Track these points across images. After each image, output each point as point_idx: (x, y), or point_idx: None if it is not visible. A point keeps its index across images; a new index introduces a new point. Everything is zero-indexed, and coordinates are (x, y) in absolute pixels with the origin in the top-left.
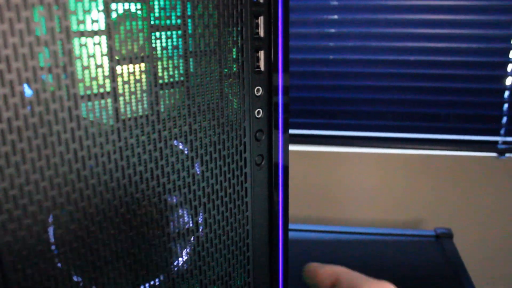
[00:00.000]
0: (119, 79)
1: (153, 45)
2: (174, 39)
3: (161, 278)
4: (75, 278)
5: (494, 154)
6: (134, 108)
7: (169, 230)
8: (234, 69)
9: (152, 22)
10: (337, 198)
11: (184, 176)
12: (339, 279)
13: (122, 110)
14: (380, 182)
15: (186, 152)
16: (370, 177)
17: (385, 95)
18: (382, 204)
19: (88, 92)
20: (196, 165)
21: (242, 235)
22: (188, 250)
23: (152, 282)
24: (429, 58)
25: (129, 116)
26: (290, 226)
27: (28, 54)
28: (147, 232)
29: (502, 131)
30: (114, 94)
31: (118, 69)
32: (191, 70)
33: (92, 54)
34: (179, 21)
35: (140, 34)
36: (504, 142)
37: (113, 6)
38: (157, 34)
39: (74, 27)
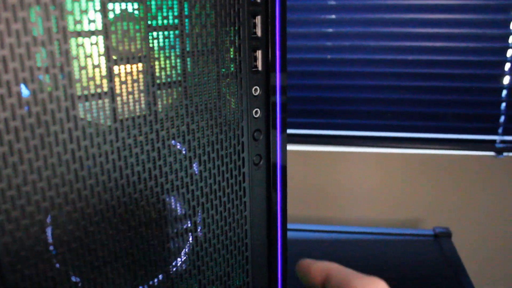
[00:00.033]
0: (117, 79)
1: (151, 45)
2: (172, 39)
3: (160, 278)
4: (73, 279)
5: (492, 153)
6: (131, 108)
7: (168, 230)
8: (232, 68)
9: (149, 22)
10: (335, 198)
11: (182, 176)
12: (330, 275)
13: (119, 110)
14: (378, 181)
15: (184, 152)
16: (368, 177)
17: (383, 95)
18: (380, 203)
19: (86, 92)
20: (194, 165)
21: (241, 235)
22: (186, 250)
23: (150, 282)
24: (427, 57)
25: (126, 116)
26: (289, 226)
27: (25, 54)
28: (145, 232)
29: (500, 130)
30: (111, 94)
31: (116, 69)
32: (189, 70)
33: (89, 54)
34: (176, 20)
35: (137, 34)
36: (502, 141)
37: (110, 6)
38: (154, 34)
39: (71, 27)
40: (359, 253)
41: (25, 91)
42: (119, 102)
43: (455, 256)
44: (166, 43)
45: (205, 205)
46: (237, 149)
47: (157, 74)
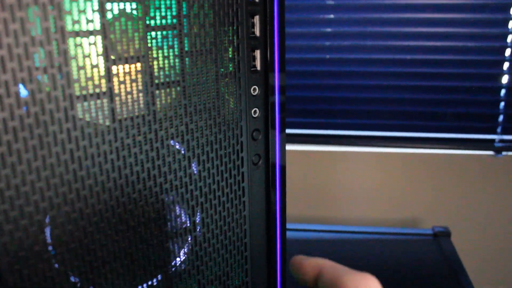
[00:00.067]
0: (115, 79)
1: (149, 45)
2: (170, 39)
3: (159, 278)
4: (72, 279)
5: (491, 153)
6: (130, 108)
7: (167, 230)
8: (230, 68)
9: (147, 22)
10: (334, 197)
11: (181, 176)
12: (323, 271)
13: (118, 110)
14: (377, 181)
15: (183, 152)
16: (367, 176)
17: (382, 94)
18: (379, 203)
19: (84, 92)
20: (193, 164)
21: (240, 235)
22: (185, 250)
23: (150, 283)
24: (426, 56)
25: (125, 116)
26: (288, 226)
27: (23, 55)
28: (144, 232)
29: (498, 129)
30: (110, 94)
31: (114, 69)
32: (187, 69)
33: (87, 54)
34: (174, 20)
35: (136, 34)
36: (501, 140)
37: (108, 6)
38: (153, 33)
39: (69, 27)
40: (358, 253)
41: (23, 91)
42: (117, 102)
43: (454, 255)
44: (165, 43)
45: (204, 205)
46: (236, 148)
47: (156, 74)
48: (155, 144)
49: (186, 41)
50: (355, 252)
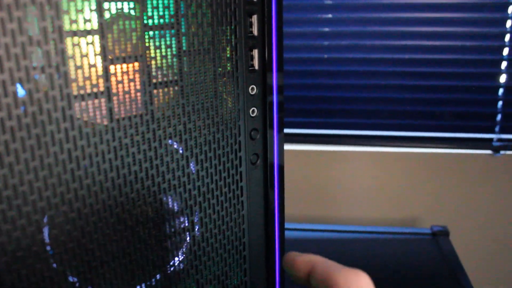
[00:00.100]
0: (113, 79)
1: (147, 44)
2: (168, 38)
3: (158, 277)
4: (70, 279)
5: (489, 152)
6: (128, 107)
7: (165, 230)
8: (228, 68)
9: (145, 21)
10: (333, 197)
11: (179, 175)
12: (315, 267)
13: (116, 109)
14: (376, 180)
15: (181, 151)
16: (365, 176)
17: (380, 94)
18: (378, 202)
19: (82, 92)
20: (191, 164)
21: (238, 234)
22: (184, 249)
23: (148, 282)
24: (424, 56)
25: (123, 115)
26: (287, 225)
27: (21, 54)
28: (142, 232)
29: (496, 129)
30: (108, 93)
31: (112, 68)
32: (185, 69)
33: (85, 54)
34: (172, 20)
35: (134, 33)
36: (499, 140)
37: (106, 5)
38: (151, 33)
39: (67, 26)
40: (357, 252)
41: (21, 91)
42: (115, 102)
43: (453, 254)
44: (163, 42)
45: (202, 204)
46: (234, 148)
47: (154, 73)
48: (153, 144)
49: (184, 41)
50: (354, 251)
